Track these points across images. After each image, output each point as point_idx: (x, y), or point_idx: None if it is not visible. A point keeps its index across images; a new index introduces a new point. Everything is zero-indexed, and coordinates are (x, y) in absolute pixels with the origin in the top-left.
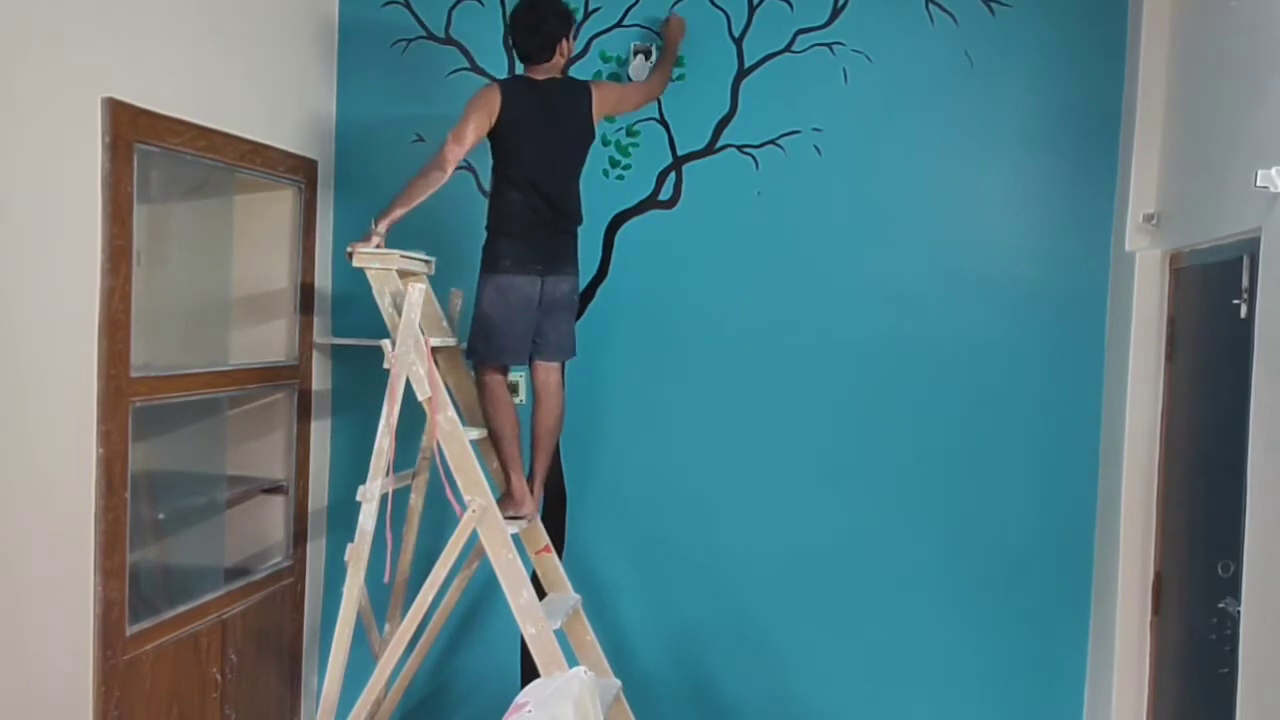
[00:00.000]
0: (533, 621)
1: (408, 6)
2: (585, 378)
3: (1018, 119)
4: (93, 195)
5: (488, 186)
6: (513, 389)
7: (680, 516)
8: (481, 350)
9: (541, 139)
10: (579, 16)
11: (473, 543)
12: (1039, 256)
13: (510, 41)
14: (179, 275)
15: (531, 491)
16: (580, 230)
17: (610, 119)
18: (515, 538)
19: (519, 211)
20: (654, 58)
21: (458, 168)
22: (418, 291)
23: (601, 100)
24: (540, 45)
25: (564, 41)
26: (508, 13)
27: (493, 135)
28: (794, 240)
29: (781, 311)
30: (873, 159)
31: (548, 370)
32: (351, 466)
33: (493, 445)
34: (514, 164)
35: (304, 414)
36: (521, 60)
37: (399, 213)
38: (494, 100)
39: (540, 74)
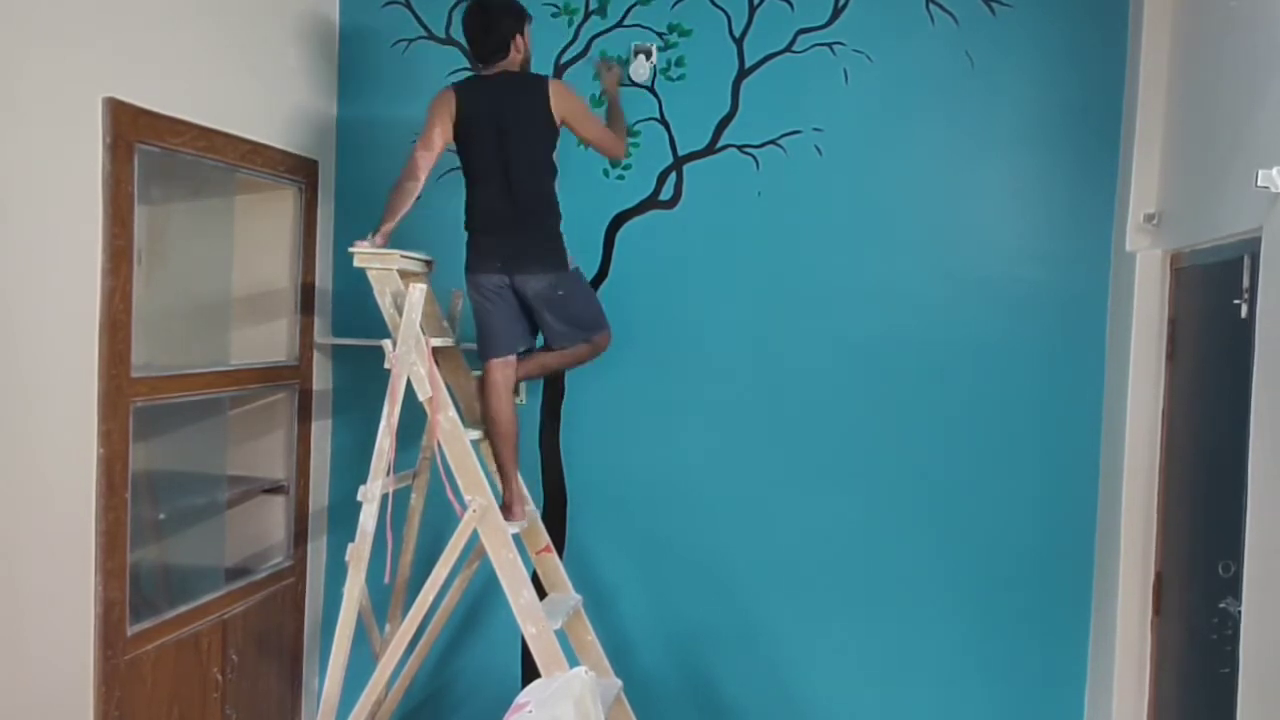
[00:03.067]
0: (533, 621)
1: (408, 6)
2: (585, 377)
3: (1018, 119)
4: (93, 195)
5: None
6: (514, 390)
7: (681, 517)
8: (477, 346)
9: (494, 135)
10: (579, 17)
11: (473, 543)
12: (1039, 256)
13: (465, 42)
14: (179, 275)
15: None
16: (580, 230)
17: None
18: (516, 538)
19: (478, 210)
20: (654, 57)
21: (456, 167)
22: (418, 291)
23: (560, 100)
24: (495, 46)
25: (518, 38)
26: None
27: (455, 138)
28: (794, 240)
29: (782, 311)
30: (873, 159)
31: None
32: (352, 466)
33: (489, 449)
34: (472, 164)
35: (304, 414)
36: (478, 61)
37: (389, 225)
38: (450, 102)
39: (494, 71)
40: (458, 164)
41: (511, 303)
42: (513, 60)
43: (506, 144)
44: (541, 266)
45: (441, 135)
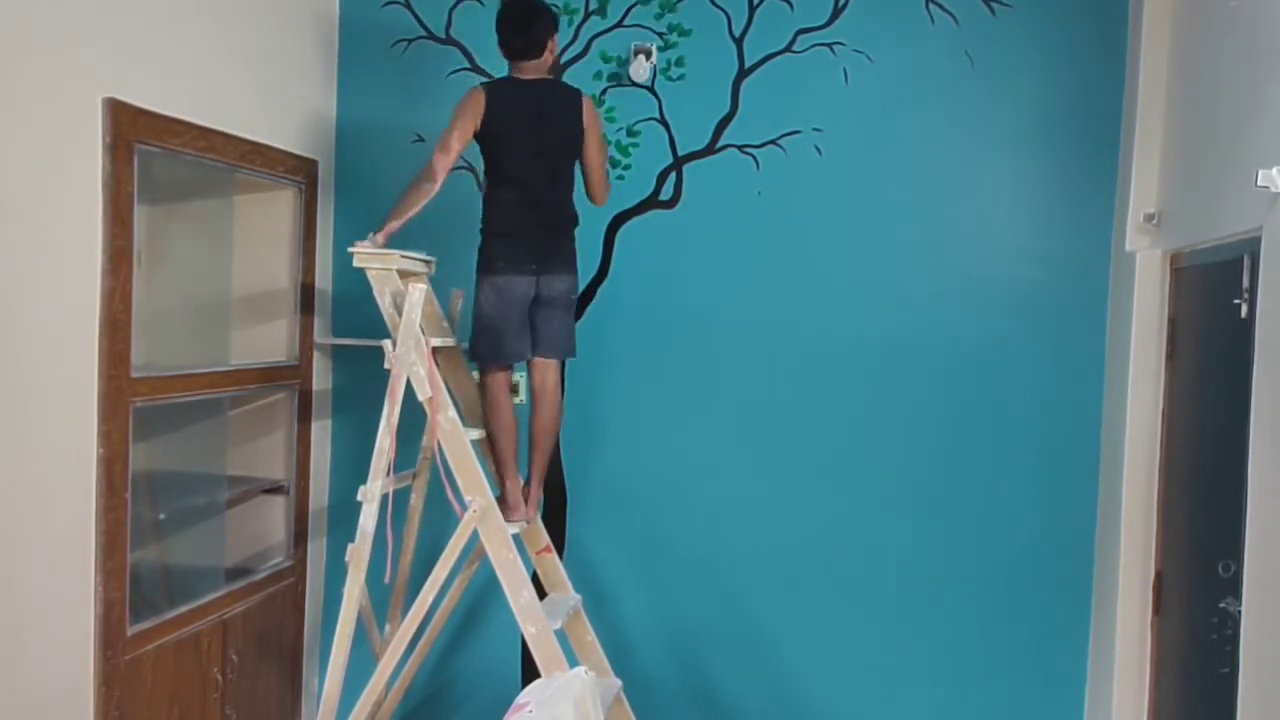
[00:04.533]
0: (533, 621)
1: (408, 6)
2: (585, 378)
3: (1018, 119)
4: (93, 195)
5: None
6: (513, 389)
7: (681, 516)
8: (483, 351)
9: (531, 139)
10: (579, 17)
11: (473, 543)
12: (1039, 257)
13: (499, 39)
14: (179, 275)
15: (531, 493)
16: (580, 230)
17: (610, 119)
18: (516, 538)
19: (511, 212)
20: (654, 57)
21: (457, 167)
22: (418, 292)
23: (590, 119)
24: (529, 43)
25: (551, 40)
26: (499, 10)
27: (482, 138)
28: (794, 240)
29: (782, 311)
30: (873, 159)
31: (544, 368)
32: (352, 466)
33: (489, 448)
34: (505, 165)
35: (304, 414)
36: (509, 58)
37: (394, 225)
38: (479, 104)
39: (528, 74)
40: (459, 165)
41: (526, 309)
42: (545, 62)
43: (545, 149)
44: (568, 268)
45: (460, 139)
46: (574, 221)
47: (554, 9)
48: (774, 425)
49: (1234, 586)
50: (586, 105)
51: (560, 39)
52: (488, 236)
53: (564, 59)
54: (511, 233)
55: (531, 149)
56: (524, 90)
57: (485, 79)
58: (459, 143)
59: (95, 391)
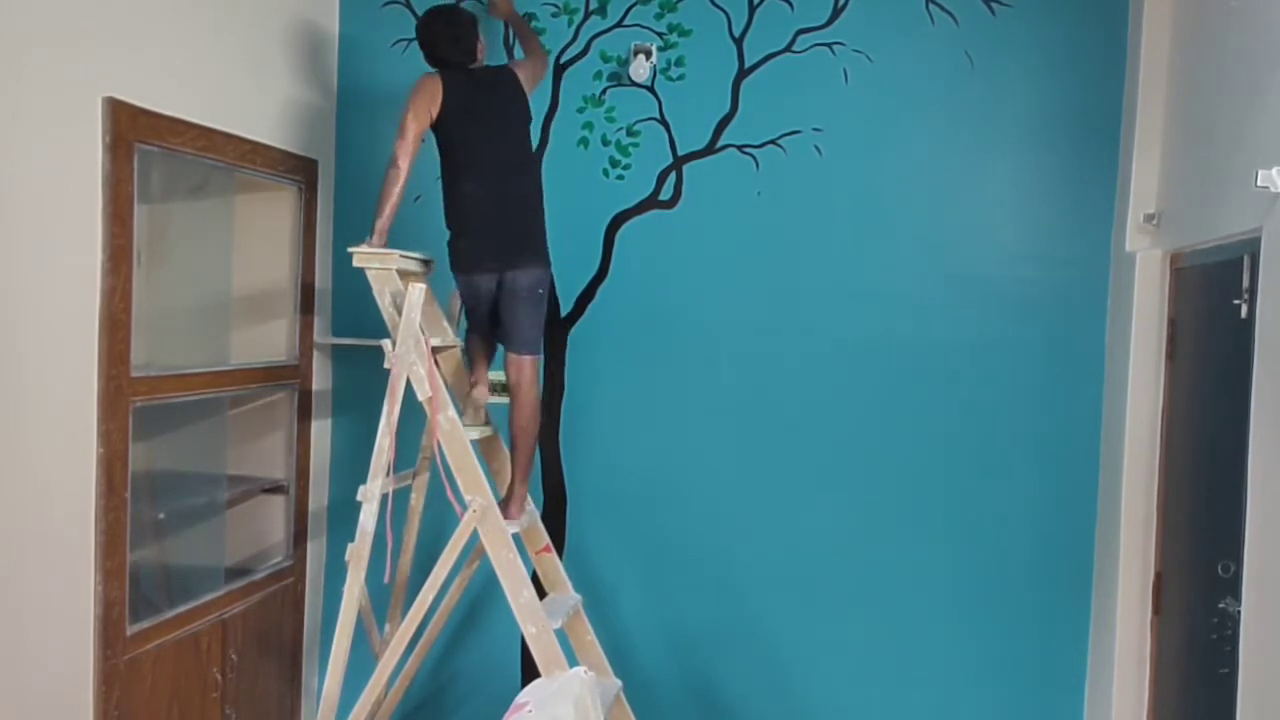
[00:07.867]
0: (533, 621)
1: (408, 6)
2: (586, 377)
3: (1018, 119)
4: (93, 195)
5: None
6: (502, 389)
7: (681, 516)
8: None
9: (488, 124)
10: (579, 16)
11: (473, 543)
12: (1039, 256)
13: (428, 54)
14: (179, 275)
15: (515, 491)
16: (580, 230)
17: (610, 119)
18: (515, 537)
19: (473, 207)
20: (654, 57)
21: None
22: (418, 291)
23: (524, 78)
24: (464, 52)
25: (479, 41)
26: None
27: (440, 125)
28: (794, 240)
29: (781, 311)
30: (873, 159)
31: (516, 366)
32: (351, 466)
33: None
34: (463, 154)
35: (304, 414)
36: (446, 67)
37: (382, 222)
38: (436, 89)
39: (468, 66)
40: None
41: (489, 309)
42: (479, 61)
43: (501, 133)
44: (535, 261)
45: (416, 122)
46: (539, 210)
47: (473, 13)
48: (774, 425)
49: (1234, 586)
50: (520, 72)
51: (560, 38)
52: (453, 234)
53: (564, 59)
54: (475, 230)
55: (490, 135)
56: (474, 78)
57: None
58: (415, 125)
59: (95, 391)
